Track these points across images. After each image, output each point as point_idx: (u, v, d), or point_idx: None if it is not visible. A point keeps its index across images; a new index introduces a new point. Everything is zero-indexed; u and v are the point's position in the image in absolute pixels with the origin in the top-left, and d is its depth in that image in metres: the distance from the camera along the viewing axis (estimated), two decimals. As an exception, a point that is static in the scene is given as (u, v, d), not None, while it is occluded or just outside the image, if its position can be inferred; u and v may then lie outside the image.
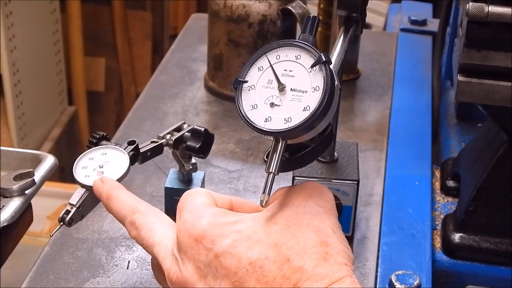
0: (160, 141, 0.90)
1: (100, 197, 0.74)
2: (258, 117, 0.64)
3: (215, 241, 0.62)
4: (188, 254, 0.63)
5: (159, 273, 0.69)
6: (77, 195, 0.78)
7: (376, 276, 0.90)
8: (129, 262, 0.91)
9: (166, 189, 0.98)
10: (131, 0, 2.91)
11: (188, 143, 0.92)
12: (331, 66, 0.64)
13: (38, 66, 2.55)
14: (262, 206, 0.63)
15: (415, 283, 0.87)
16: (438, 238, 1.00)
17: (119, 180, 0.79)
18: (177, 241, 0.65)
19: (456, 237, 0.98)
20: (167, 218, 0.70)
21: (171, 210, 0.99)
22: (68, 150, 2.72)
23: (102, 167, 0.79)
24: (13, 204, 0.86)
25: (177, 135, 0.92)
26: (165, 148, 0.91)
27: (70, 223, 0.77)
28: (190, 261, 0.63)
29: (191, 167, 0.96)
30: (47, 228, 2.08)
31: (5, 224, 0.84)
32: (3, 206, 0.85)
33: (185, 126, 0.94)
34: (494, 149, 0.96)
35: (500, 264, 0.97)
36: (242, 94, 0.65)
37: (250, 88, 0.65)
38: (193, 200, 0.66)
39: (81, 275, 0.89)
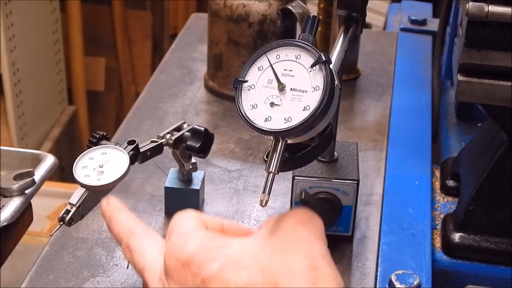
0: (160, 141, 0.90)
1: (104, 217, 0.74)
2: (258, 117, 0.64)
3: (202, 266, 0.60)
4: (175, 278, 0.62)
5: None
6: (77, 194, 0.78)
7: (376, 275, 0.90)
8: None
9: (166, 189, 0.98)
10: (131, 0, 2.91)
11: (188, 142, 0.92)
12: (331, 66, 0.64)
13: (38, 66, 2.56)
14: (262, 206, 0.63)
15: (415, 282, 0.87)
16: (438, 238, 1.00)
17: (119, 179, 0.79)
18: (164, 265, 0.64)
19: (456, 236, 0.98)
20: (160, 242, 0.69)
21: (171, 210, 0.99)
22: (68, 150, 2.72)
23: (102, 166, 0.79)
24: (13, 204, 0.86)
25: (177, 134, 0.92)
26: (165, 148, 0.91)
27: (70, 223, 0.77)
28: (177, 286, 0.62)
29: (191, 167, 0.96)
30: (47, 227, 2.09)
31: (5, 224, 0.84)
32: (3, 206, 0.85)
33: (185, 125, 0.94)
34: (494, 149, 0.96)
35: (500, 264, 0.97)
36: (242, 93, 0.65)
37: (250, 88, 0.65)
38: (182, 223, 0.65)
39: (81, 275, 0.89)
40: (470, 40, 0.84)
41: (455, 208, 1.03)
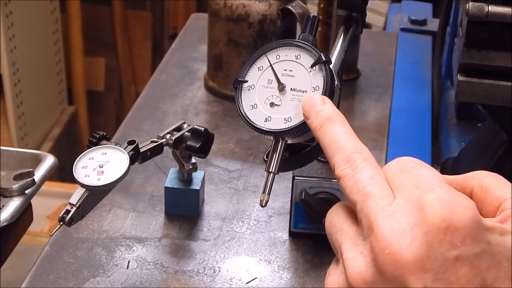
0: (160, 141, 0.90)
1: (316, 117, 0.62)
2: (258, 117, 0.64)
3: (465, 242, 0.50)
4: (426, 236, 0.50)
5: (343, 236, 0.55)
6: (77, 195, 0.78)
7: (376, 276, 0.90)
8: (129, 262, 0.91)
9: (166, 189, 0.98)
10: (131, 0, 2.91)
11: (188, 142, 0.92)
12: (331, 66, 0.64)
13: (38, 66, 2.55)
14: (262, 206, 0.63)
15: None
16: (438, 238, 1.00)
17: (119, 179, 0.79)
18: (421, 215, 0.51)
19: (456, 237, 0.97)
20: None
21: (171, 210, 0.99)
22: (68, 150, 2.72)
23: (102, 166, 0.79)
24: (13, 204, 0.86)
25: (177, 134, 0.92)
26: (165, 148, 0.91)
27: (70, 223, 0.77)
28: (423, 245, 0.49)
29: (191, 167, 0.96)
30: (47, 228, 2.08)
31: (5, 224, 0.84)
32: (3, 206, 0.85)
33: (185, 125, 0.94)
34: (494, 149, 0.96)
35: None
36: (242, 94, 0.65)
37: (250, 88, 0.65)
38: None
39: (81, 275, 0.89)
40: (470, 40, 0.84)
41: (455, 208, 1.03)
